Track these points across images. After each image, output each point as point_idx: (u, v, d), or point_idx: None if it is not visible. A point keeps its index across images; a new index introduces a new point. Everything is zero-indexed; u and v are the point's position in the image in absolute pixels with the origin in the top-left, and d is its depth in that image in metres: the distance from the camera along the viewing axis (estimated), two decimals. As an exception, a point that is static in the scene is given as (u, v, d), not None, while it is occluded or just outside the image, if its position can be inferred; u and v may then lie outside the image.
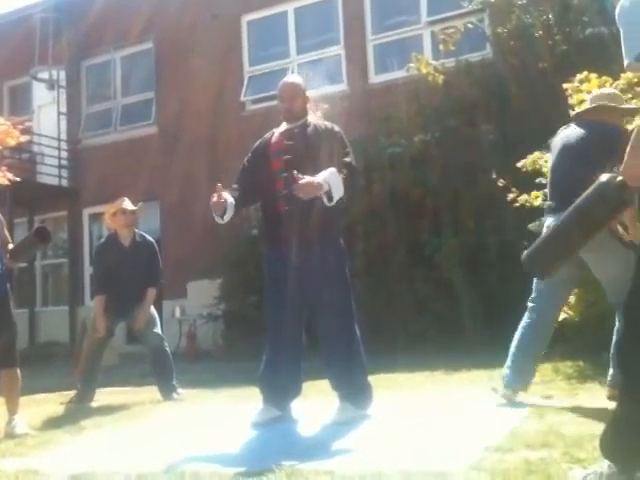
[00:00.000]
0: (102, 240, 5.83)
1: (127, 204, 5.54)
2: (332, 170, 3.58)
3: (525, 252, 2.23)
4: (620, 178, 1.89)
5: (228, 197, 3.71)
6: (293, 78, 4.20)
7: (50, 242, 4.92)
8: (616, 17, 1.91)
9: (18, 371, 4.33)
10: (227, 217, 3.72)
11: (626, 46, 1.88)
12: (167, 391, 5.29)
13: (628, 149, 1.84)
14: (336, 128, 3.89)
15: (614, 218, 2.00)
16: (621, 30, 1.90)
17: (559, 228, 2.10)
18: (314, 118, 3.95)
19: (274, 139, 3.90)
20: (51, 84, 13.41)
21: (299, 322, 3.86)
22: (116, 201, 5.62)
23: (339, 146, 3.80)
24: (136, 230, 5.60)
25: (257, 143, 4.02)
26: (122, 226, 5.50)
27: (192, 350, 10.02)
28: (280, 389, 3.85)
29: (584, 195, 1.98)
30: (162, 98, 12.42)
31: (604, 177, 1.95)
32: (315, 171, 3.57)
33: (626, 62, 1.88)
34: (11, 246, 4.52)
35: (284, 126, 3.93)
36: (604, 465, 2.14)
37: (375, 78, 10.58)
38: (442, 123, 8.33)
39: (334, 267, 3.74)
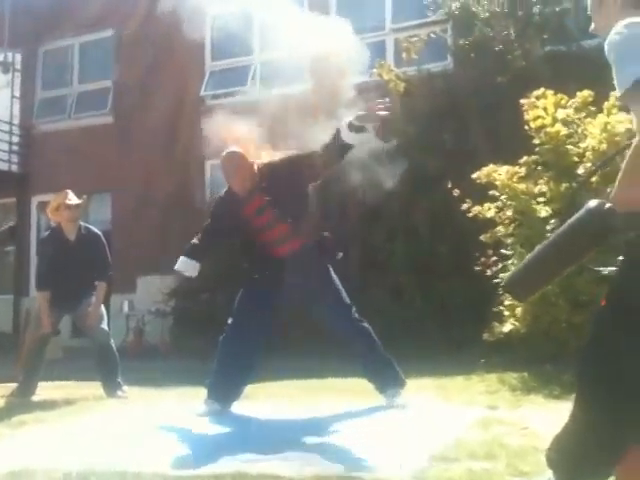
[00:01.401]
0: (46, 234, 5.66)
1: (71, 198, 5.36)
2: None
3: (507, 275, 2.22)
4: (609, 205, 1.87)
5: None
6: (230, 152, 4.05)
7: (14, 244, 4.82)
8: (606, 52, 1.95)
9: None
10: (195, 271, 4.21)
11: (619, 77, 1.89)
12: (111, 388, 5.19)
13: (620, 177, 1.86)
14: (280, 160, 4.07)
15: (597, 247, 1.93)
16: (613, 62, 1.94)
17: (540, 254, 2.03)
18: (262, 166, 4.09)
19: (245, 204, 4.05)
20: (6, 67, 13.06)
21: (265, 331, 4.11)
22: (59, 194, 5.43)
23: (300, 158, 4.00)
24: (81, 223, 5.46)
25: (217, 204, 4.30)
26: (66, 220, 5.33)
27: (139, 346, 9.87)
28: (227, 388, 4.03)
29: (570, 220, 1.94)
30: (119, 87, 12.21)
31: (592, 203, 1.89)
32: (295, 200, 3.96)
33: (620, 92, 1.91)
34: None
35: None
36: (546, 476, 2.18)
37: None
38: (401, 130, 8.39)
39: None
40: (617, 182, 1.90)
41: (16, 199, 12.71)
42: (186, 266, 4.19)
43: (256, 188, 4.03)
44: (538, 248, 2.01)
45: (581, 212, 1.91)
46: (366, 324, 4.12)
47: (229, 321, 4.10)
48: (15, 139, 12.97)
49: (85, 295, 5.31)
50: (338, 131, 3.71)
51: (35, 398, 5.18)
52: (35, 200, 12.74)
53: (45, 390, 5.41)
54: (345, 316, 4.06)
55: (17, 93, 13.07)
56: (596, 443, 1.97)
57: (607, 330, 1.96)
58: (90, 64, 12.94)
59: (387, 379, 4.08)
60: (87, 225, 5.55)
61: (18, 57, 13.10)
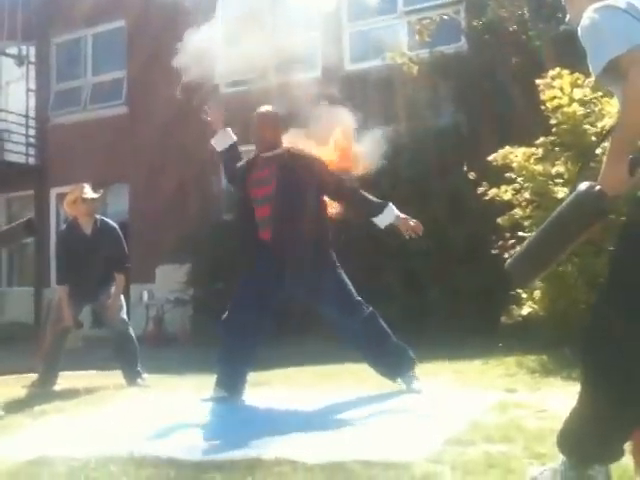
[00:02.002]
0: (63, 228, 5.71)
1: (87, 191, 5.38)
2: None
3: (508, 261, 2.25)
4: (599, 187, 1.90)
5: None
6: (265, 108, 4.22)
7: (35, 237, 4.87)
8: (580, 38, 2.00)
9: None
10: (224, 144, 4.25)
11: (593, 61, 1.95)
12: (131, 376, 5.24)
13: (605, 158, 1.89)
14: (313, 156, 4.08)
15: (591, 228, 1.97)
16: (586, 47, 1.97)
17: (537, 238, 2.08)
18: (291, 147, 4.10)
19: (253, 169, 4.07)
20: (20, 60, 13.12)
21: (266, 314, 4.04)
22: (75, 188, 5.45)
23: (321, 171, 4.02)
24: (97, 216, 5.48)
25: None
26: (82, 214, 5.36)
27: (159, 335, 9.94)
28: (230, 373, 4.04)
29: (562, 204, 1.98)
30: (133, 78, 12.23)
31: (583, 186, 1.93)
32: (297, 197, 3.89)
33: (595, 75, 1.96)
34: None
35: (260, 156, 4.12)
36: (559, 462, 2.17)
37: (350, 66, 10.53)
38: (415, 113, 8.34)
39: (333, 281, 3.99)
40: (603, 164, 1.93)
41: (34, 192, 12.80)
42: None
43: (274, 159, 4.03)
44: (535, 233, 2.07)
45: (572, 196, 1.94)
46: (377, 320, 4.04)
47: (229, 305, 4.08)
48: (31, 132, 13.04)
49: (104, 287, 5.35)
50: (382, 206, 4.04)
51: (56, 388, 5.23)
52: (54, 192, 12.84)
53: (66, 380, 5.47)
54: (353, 317, 3.98)
55: (32, 86, 13.12)
56: (603, 425, 1.98)
57: (608, 308, 1.96)
58: (103, 55, 12.97)
59: (402, 366, 4.05)
60: (103, 218, 5.58)
61: (32, 50, 13.15)
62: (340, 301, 3.97)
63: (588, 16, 1.96)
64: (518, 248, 5.60)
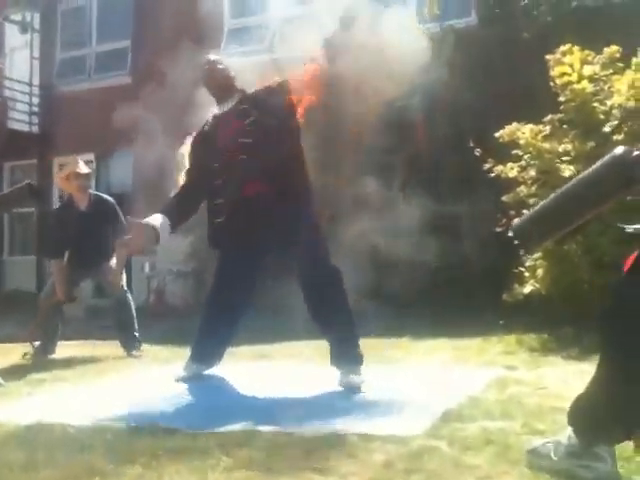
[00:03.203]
0: (58, 206, 5.72)
1: (80, 166, 5.34)
2: None
3: (516, 221, 2.14)
4: (636, 153, 1.81)
5: (151, 222, 3.43)
6: (210, 56, 3.80)
7: (35, 202, 4.85)
8: None
9: None
10: (162, 240, 3.48)
11: None
12: (129, 344, 5.24)
13: None
14: (278, 87, 3.57)
15: (623, 193, 1.88)
16: None
17: (560, 198, 1.96)
18: (252, 89, 3.68)
19: (222, 124, 3.63)
20: (24, 27, 12.98)
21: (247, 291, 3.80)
22: (68, 163, 5.44)
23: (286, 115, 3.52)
24: (91, 192, 5.46)
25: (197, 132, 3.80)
26: (76, 190, 5.34)
27: (160, 306, 9.95)
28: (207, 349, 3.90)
29: (594, 166, 1.88)
30: (138, 47, 12.10)
31: (619, 150, 1.83)
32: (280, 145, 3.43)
33: None
34: None
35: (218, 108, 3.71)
36: (565, 436, 2.16)
37: (358, 39, 10.40)
38: (424, 89, 8.23)
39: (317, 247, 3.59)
40: None
41: (37, 160, 12.75)
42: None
43: (237, 110, 3.61)
44: (555, 195, 1.93)
45: (606, 157, 1.84)
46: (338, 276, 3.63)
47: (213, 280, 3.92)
48: (35, 100, 12.95)
49: (104, 260, 5.33)
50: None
51: (55, 357, 5.24)
52: (57, 161, 12.78)
53: (65, 349, 5.47)
54: (319, 274, 3.58)
55: (36, 54, 13.00)
56: (617, 405, 1.97)
57: (633, 294, 1.89)
58: (108, 23, 12.82)
59: (347, 356, 3.59)
60: (97, 193, 5.59)
61: (37, 17, 13.00)
62: (314, 257, 3.58)
63: None
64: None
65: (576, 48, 5.57)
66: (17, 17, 12.96)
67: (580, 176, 1.91)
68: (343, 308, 3.62)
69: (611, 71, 5.53)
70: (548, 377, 3.70)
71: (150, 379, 4.18)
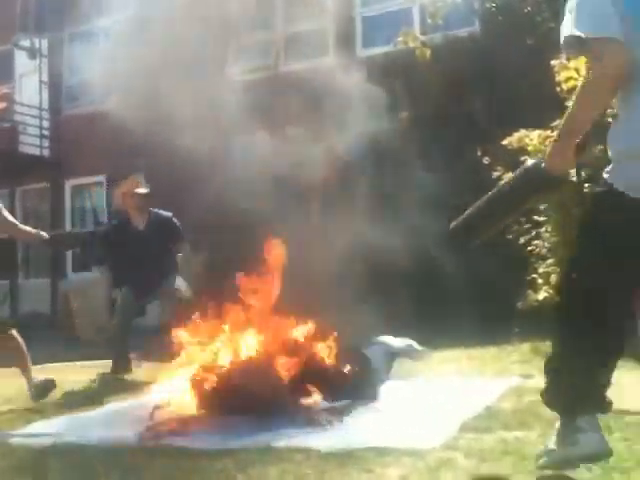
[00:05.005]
0: (112, 223, 5.55)
1: (139, 187, 5.24)
2: None
3: (453, 223, 2.40)
4: (544, 165, 2.13)
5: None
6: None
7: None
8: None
9: (14, 333, 4.20)
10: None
11: (567, 28, 2.01)
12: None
13: (552, 142, 2.16)
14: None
15: (535, 198, 2.31)
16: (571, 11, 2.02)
17: (484, 203, 2.29)
18: None
19: None
20: (32, 53, 13.12)
21: None
22: (129, 180, 5.32)
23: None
24: (151, 209, 5.31)
25: None
26: (133, 208, 5.25)
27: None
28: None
29: (512, 175, 2.26)
30: (147, 69, 12.17)
31: (530, 162, 2.19)
32: None
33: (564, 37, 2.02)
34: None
35: None
36: (555, 426, 2.22)
37: (362, 52, 10.44)
38: (429, 98, 8.24)
39: None
40: (548, 149, 2.17)
41: (50, 184, 12.84)
42: None
43: None
44: (480, 200, 2.27)
45: (520, 168, 2.20)
46: None
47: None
48: (45, 124, 13.06)
49: (166, 278, 5.21)
50: None
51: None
52: (68, 184, 12.88)
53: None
54: None
55: (45, 78, 13.12)
56: (577, 376, 2.12)
57: (578, 276, 2.14)
58: (115, 46, 12.93)
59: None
60: (157, 210, 5.40)
61: (45, 42, 13.14)
62: None
63: None
64: (533, 233, 5.58)
65: (581, 52, 5.55)
66: (26, 43, 13.11)
67: (500, 184, 2.29)
68: None
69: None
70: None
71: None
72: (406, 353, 4.08)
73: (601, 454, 2.11)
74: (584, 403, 2.12)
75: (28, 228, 4.58)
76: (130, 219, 5.31)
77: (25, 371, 4.18)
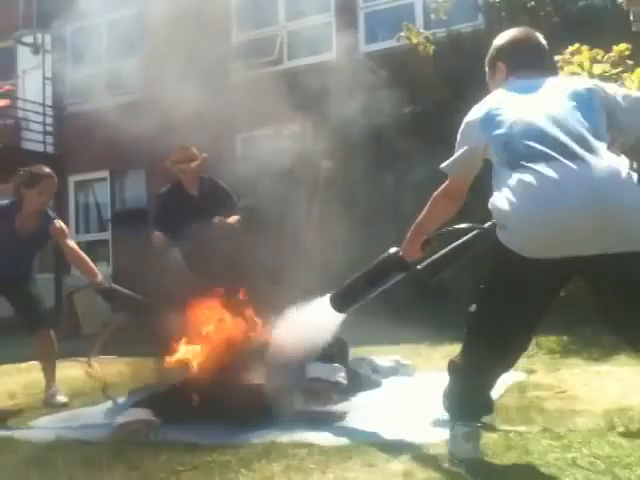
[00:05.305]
0: (164, 189, 5.34)
1: (194, 155, 5.15)
2: None
3: (333, 292, 2.99)
4: (400, 253, 2.68)
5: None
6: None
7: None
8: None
9: (52, 333, 4.21)
10: None
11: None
12: None
13: (409, 234, 2.60)
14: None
15: (393, 277, 2.75)
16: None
17: (354, 280, 2.89)
18: None
19: None
20: (36, 48, 13.12)
21: None
22: (181, 148, 5.25)
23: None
24: (203, 176, 5.21)
25: None
26: (185, 174, 5.13)
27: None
28: None
29: (377, 259, 2.77)
30: (149, 65, 12.18)
31: (392, 250, 2.72)
32: None
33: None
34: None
35: None
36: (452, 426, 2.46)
37: (365, 47, 10.41)
38: (432, 94, 8.22)
39: None
40: (405, 240, 2.63)
41: (53, 179, 12.82)
42: None
43: None
44: (353, 277, 2.88)
45: (383, 255, 2.75)
46: None
47: None
48: (49, 120, 13.06)
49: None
50: None
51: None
52: (72, 180, 12.89)
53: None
54: None
55: (48, 74, 13.12)
56: (462, 386, 2.47)
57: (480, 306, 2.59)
58: (119, 42, 12.92)
59: None
60: (211, 177, 5.28)
61: (47, 38, 13.14)
62: None
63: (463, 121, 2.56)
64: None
65: (585, 47, 5.53)
66: (29, 39, 13.10)
67: (368, 266, 2.81)
68: None
69: (621, 69, 5.49)
70: (568, 380, 3.66)
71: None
72: (394, 371, 4.09)
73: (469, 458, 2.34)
74: (467, 411, 2.46)
75: (92, 264, 4.29)
76: (183, 186, 5.19)
77: (48, 373, 4.19)
